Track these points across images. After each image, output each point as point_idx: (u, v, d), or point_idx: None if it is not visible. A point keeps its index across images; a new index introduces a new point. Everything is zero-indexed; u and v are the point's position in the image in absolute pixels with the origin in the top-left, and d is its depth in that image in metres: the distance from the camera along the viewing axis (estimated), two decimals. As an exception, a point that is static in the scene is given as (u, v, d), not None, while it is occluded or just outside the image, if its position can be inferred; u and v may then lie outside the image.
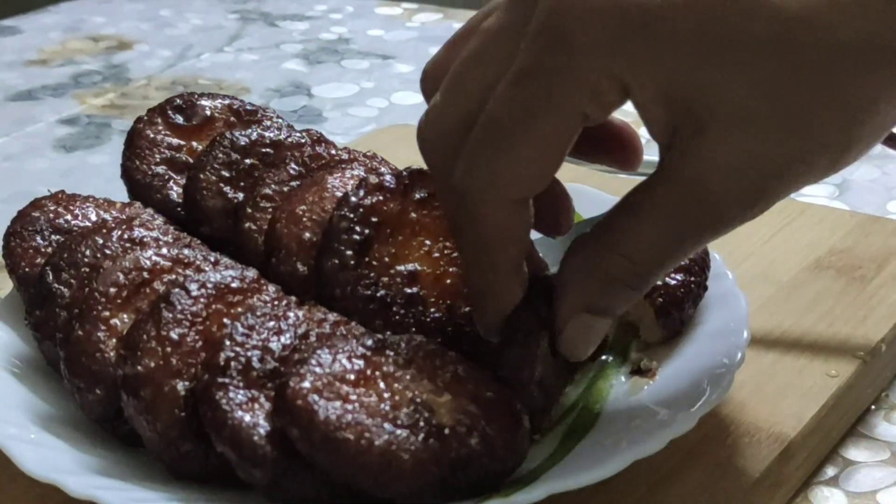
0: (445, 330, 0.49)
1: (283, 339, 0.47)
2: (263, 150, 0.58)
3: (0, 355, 0.54)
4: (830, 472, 0.52)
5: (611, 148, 0.50)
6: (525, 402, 0.47)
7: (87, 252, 0.53)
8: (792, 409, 0.52)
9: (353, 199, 0.51)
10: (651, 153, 0.47)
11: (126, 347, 0.47)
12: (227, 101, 0.63)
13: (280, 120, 0.62)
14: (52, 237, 0.56)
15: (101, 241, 0.53)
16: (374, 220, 0.51)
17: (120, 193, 0.60)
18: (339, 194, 0.53)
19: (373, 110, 0.95)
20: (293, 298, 0.50)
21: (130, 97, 0.99)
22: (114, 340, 0.49)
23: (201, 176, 0.58)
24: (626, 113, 0.44)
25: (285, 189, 0.56)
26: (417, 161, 0.49)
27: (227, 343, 0.46)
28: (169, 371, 0.46)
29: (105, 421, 0.49)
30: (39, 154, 0.89)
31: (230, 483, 0.45)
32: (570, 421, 0.50)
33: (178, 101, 0.63)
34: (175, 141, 0.61)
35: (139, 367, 0.46)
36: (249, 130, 0.59)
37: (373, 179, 0.52)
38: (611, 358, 0.54)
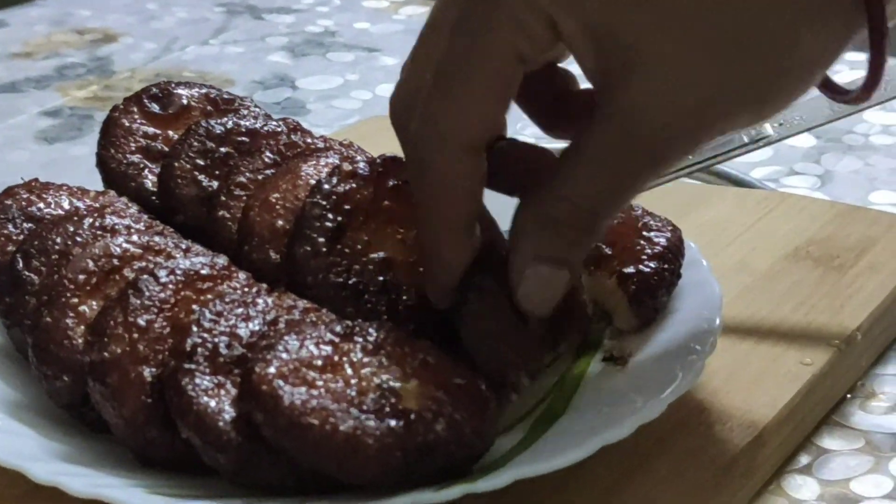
0: (418, 318, 0.49)
1: (251, 325, 0.47)
2: (239, 138, 0.58)
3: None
4: (804, 460, 0.52)
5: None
6: (487, 368, 0.46)
7: (58, 239, 0.52)
8: (765, 396, 0.52)
9: (326, 186, 0.51)
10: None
11: (93, 334, 0.47)
12: (203, 91, 0.62)
13: (257, 109, 0.61)
14: (24, 225, 0.56)
15: (72, 229, 0.53)
16: (346, 207, 0.50)
17: (99, 184, 0.60)
18: (313, 182, 0.53)
19: (357, 102, 0.95)
20: (263, 286, 0.49)
21: (114, 89, 0.98)
22: (82, 327, 0.49)
23: (176, 164, 0.57)
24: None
25: (260, 177, 0.56)
26: (398, 151, 0.49)
27: (195, 329, 0.46)
28: (136, 357, 0.46)
29: (72, 407, 0.49)
30: (20, 146, 0.89)
31: (197, 469, 0.45)
32: (541, 409, 0.50)
33: (154, 89, 0.62)
34: (151, 130, 0.61)
35: (106, 354, 0.46)
36: (225, 119, 0.58)
37: (346, 167, 0.51)
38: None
